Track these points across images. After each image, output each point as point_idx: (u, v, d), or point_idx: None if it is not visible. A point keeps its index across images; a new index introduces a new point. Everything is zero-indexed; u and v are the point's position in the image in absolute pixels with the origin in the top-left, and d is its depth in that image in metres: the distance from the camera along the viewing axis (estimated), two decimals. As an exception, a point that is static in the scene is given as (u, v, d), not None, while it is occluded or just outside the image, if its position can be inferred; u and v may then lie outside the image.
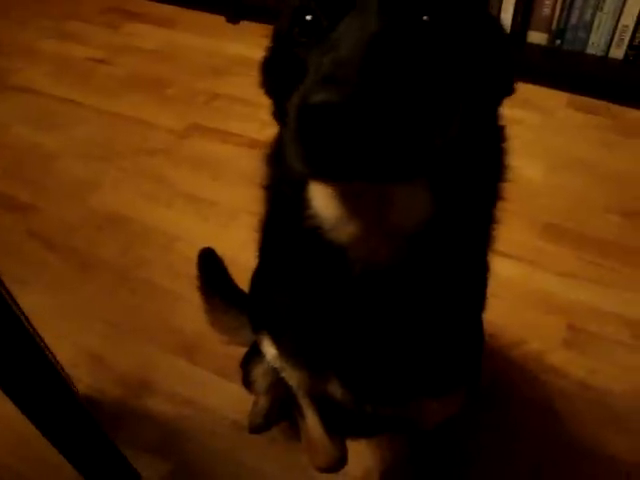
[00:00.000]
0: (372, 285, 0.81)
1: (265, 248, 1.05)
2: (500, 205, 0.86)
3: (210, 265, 1.67)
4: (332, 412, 1.27)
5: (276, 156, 0.88)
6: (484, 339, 1.11)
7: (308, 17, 0.75)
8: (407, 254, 0.78)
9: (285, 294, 0.98)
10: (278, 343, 1.06)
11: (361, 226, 0.76)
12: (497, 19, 0.84)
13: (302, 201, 0.79)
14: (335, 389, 1.00)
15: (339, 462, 1.42)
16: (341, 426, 1.35)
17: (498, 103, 0.84)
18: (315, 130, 0.58)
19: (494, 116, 0.85)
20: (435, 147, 0.66)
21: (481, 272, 0.96)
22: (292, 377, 1.08)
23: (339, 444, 1.39)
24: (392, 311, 0.85)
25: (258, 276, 1.18)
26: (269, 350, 1.10)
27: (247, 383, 1.53)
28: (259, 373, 1.47)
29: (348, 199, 0.74)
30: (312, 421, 1.41)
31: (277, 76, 0.85)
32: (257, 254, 1.15)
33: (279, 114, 0.85)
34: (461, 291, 0.91)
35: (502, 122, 0.85)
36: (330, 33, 0.70)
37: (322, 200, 0.77)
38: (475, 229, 0.87)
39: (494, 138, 0.85)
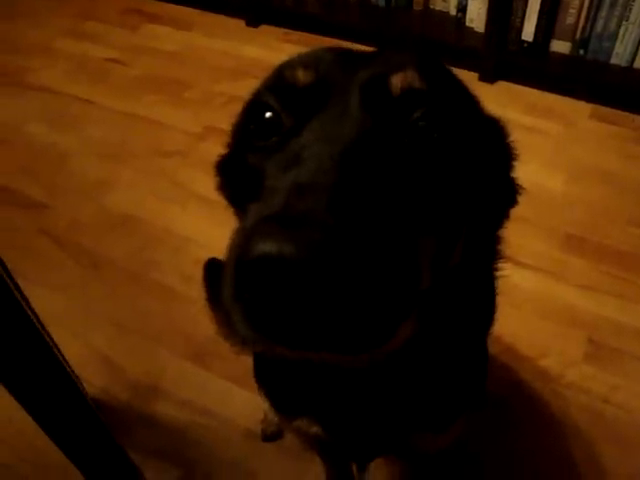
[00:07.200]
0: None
1: None
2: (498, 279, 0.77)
3: (217, 276, 1.62)
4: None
5: None
6: (488, 359, 0.99)
7: (267, 114, 0.60)
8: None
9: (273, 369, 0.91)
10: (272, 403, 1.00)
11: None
12: (496, 119, 0.69)
13: None
14: (318, 431, 0.89)
15: None
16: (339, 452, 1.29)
17: (500, 223, 0.69)
18: (259, 290, 0.42)
19: (494, 239, 0.70)
20: (427, 292, 0.51)
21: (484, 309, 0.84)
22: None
23: None
24: (382, 380, 0.74)
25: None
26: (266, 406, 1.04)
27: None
28: None
29: None
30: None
31: (234, 183, 0.70)
32: None
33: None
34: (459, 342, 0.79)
35: (502, 245, 0.71)
36: (293, 138, 0.55)
37: None
38: (469, 322, 0.76)
39: (493, 258, 0.70)
